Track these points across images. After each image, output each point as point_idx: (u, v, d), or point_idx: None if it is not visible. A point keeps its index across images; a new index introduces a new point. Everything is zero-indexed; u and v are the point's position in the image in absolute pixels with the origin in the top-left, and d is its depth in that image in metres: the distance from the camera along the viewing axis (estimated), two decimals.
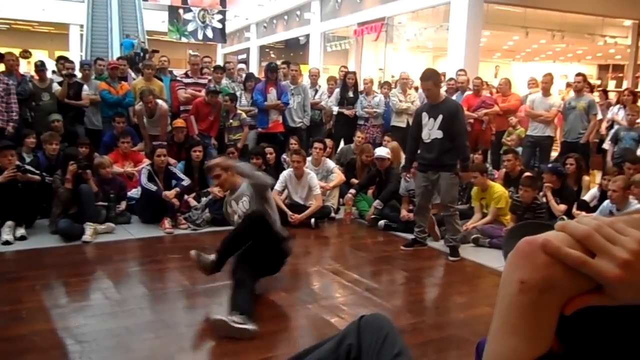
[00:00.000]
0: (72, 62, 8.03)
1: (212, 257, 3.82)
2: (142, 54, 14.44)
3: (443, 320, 3.77)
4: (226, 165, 4.26)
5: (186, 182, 5.98)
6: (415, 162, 5.30)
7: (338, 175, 6.76)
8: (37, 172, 5.48)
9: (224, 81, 8.22)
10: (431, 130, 4.98)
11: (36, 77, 7.36)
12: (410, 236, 5.59)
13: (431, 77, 4.99)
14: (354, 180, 6.85)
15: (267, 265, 3.94)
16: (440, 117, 4.92)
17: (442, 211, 5.27)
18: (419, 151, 5.23)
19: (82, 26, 22.55)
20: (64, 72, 7.59)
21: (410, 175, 5.42)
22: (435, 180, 5.06)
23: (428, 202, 5.32)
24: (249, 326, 3.22)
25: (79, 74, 7.81)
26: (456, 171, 5.09)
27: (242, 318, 3.24)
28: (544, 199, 5.80)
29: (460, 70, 8.92)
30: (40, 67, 7.34)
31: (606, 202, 5.22)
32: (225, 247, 3.79)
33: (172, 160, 6.43)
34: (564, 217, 5.60)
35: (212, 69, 8.37)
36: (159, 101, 7.26)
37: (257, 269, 3.81)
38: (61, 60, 8.06)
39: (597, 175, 7.70)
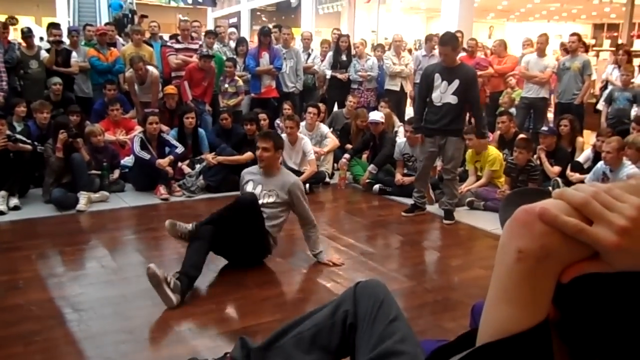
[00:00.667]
0: (59, 28, 7.87)
1: (189, 226, 3.62)
2: (130, 16, 14.25)
3: (438, 283, 3.81)
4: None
5: (179, 149, 5.95)
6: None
7: (332, 140, 6.75)
8: (29, 141, 5.43)
9: (215, 46, 8.11)
10: (444, 93, 4.87)
11: (24, 44, 7.23)
12: (405, 200, 5.61)
13: (450, 42, 4.83)
14: (348, 146, 6.83)
15: (238, 251, 3.78)
16: (457, 82, 4.81)
17: (443, 174, 5.22)
18: (425, 113, 5.11)
19: None
20: (50, 38, 7.46)
21: (421, 140, 5.22)
22: (443, 145, 5.01)
23: (430, 167, 5.31)
24: (173, 297, 3.16)
25: (67, 41, 7.67)
26: (463, 136, 5.05)
27: (175, 284, 3.19)
28: (538, 161, 5.81)
29: (457, 31, 8.80)
30: (27, 33, 7.20)
31: (600, 164, 5.23)
32: (208, 221, 3.65)
33: (164, 128, 6.38)
34: (558, 179, 5.62)
35: (204, 34, 8.25)
36: (150, 67, 7.17)
37: (223, 246, 3.67)
38: (51, 28, 7.90)
39: (592, 136, 7.70)
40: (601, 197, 0.55)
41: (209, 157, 6.02)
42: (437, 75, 4.91)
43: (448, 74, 4.86)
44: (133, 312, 3.18)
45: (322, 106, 7.51)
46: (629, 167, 4.96)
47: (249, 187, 3.98)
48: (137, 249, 4.38)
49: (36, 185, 5.62)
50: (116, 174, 5.97)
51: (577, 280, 0.56)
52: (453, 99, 4.84)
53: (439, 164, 5.48)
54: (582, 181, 5.26)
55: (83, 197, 5.20)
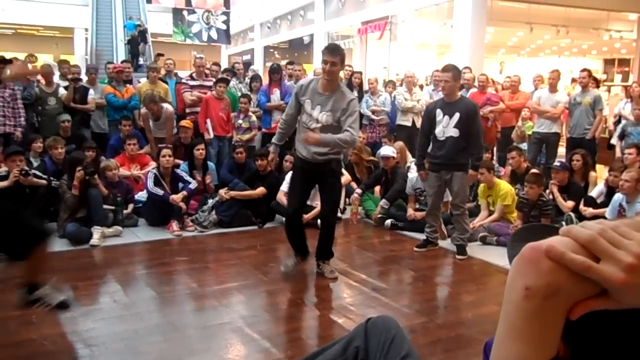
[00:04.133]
0: (77, 66, 8.07)
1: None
2: (144, 33, 15.17)
3: (451, 320, 3.76)
4: None
5: (193, 184, 6.00)
6: (425, 161, 5.26)
7: (345, 175, 6.77)
8: (44, 176, 5.51)
9: (232, 82, 8.25)
10: (446, 127, 4.91)
11: (42, 81, 7.40)
12: (417, 235, 5.58)
13: (452, 70, 4.95)
14: (353, 183, 6.90)
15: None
16: (457, 115, 4.86)
17: (452, 210, 5.24)
18: (430, 149, 5.16)
19: (87, 30, 22.62)
20: (69, 76, 7.63)
21: (424, 176, 5.32)
22: (449, 180, 5.03)
23: (440, 202, 5.30)
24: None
25: (84, 78, 7.84)
26: (467, 170, 5.07)
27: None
28: (551, 196, 5.78)
29: (465, 67, 8.89)
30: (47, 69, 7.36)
31: (617, 195, 5.20)
32: None
33: (178, 161, 6.45)
34: (572, 213, 5.58)
35: (222, 71, 8.40)
36: (165, 104, 7.28)
37: None
38: (63, 64, 8.09)
39: (604, 171, 7.66)
40: (608, 234, 0.55)
41: (222, 193, 6.05)
42: (438, 111, 4.98)
43: (449, 108, 4.93)
44: (145, 347, 3.16)
45: None
46: None
47: (307, 107, 4.19)
48: (149, 284, 4.38)
49: (51, 219, 5.66)
50: (130, 208, 6.02)
51: (585, 317, 0.56)
52: (455, 132, 4.88)
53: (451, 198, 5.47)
54: (596, 216, 5.21)
55: (97, 232, 5.23)
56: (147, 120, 7.21)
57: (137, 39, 15.88)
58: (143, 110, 7.26)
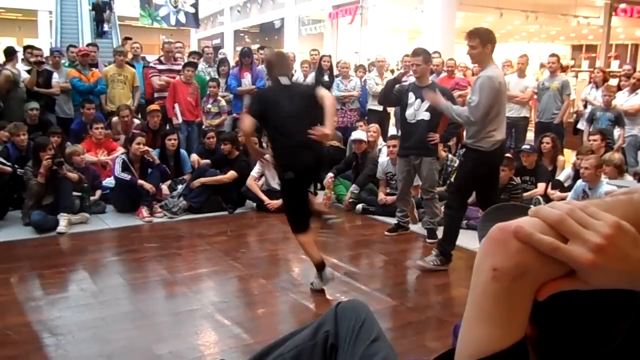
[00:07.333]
0: (40, 49, 7.83)
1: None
2: (109, 1, 15.19)
3: (421, 303, 3.80)
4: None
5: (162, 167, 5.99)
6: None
7: None
8: (9, 163, 5.36)
9: (201, 66, 8.13)
10: (417, 110, 4.91)
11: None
12: (388, 219, 5.61)
13: (422, 54, 4.91)
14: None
15: None
16: None
17: (422, 195, 5.27)
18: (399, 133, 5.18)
19: (51, 12, 22.03)
20: (32, 59, 7.41)
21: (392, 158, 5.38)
22: (418, 165, 5.05)
23: (410, 187, 5.32)
24: None
25: (47, 62, 7.63)
26: (437, 155, 5.10)
27: None
28: (519, 179, 5.86)
29: (435, 52, 8.91)
30: (10, 53, 7.17)
31: (579, 181, 5.29)
32: None
33: (148, 149, 6.35)
34: (539, 196, 5.66)
35: (188, 54, 8.25)
36: (135, 120, 7.26)
37: None
38: (29, 49, 7.87)
39: (572, 155, 7.79)
40: (576, 214, 0.54)
41: (196, 184, 5.96)
42: (410, 94, 4.97)
43: (421, 91, 4.89)
44: (113, 335, 3.12)
45: None
46: (605, 185, 5.02)
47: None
48: (118, 271, 4.31)
49: (15, 207, 5.54)
50: (97, 195, 5.91)
51: (553, 297, 0.56)
52: (426, 116, 4.88)
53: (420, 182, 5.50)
54: (562, 199, 5.31)
55: (63, 219, 5.12)
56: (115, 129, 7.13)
57: (102, 7, 16.20)
58: (115, 119, 7.13)
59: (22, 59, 8.04)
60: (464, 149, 4.74)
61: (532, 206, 0.62)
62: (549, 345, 0.63)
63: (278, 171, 3.94)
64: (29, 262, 4.43)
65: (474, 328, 0.58)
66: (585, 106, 7.82)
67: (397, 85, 5.09)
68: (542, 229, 0.54)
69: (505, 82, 4.44)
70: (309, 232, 3.88)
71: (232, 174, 6.03)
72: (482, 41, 4.11)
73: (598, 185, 5.04)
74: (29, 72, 7.23)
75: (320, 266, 3.79)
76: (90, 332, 3.14)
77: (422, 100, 4.86)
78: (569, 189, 5.62)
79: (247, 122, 3.76)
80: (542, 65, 10.20)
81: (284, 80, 3.83)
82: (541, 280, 0.55)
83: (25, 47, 8.05)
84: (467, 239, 5.04)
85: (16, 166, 5.45)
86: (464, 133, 4.75)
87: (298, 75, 8.48)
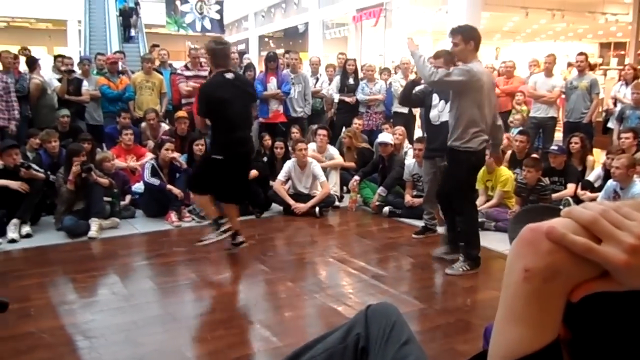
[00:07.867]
0: (70, 57, 8.01)
1: None
2: (135, 7, 16.72)
3: (450, 305, 3.77)
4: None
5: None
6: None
7: (337, 159, 6.83)
8: (41, 170, 5.48)
9: None
10: (442, 112, 4.84)
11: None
12: (415, 222, 5.58)
13: (443, 55, 4.63)
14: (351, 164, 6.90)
15: None
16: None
17: None
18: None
19: (80, 21, 22.45)
20: (62, 68, 7.58)
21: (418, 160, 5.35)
22: (444, 167, 5.00)
23: (436, 189, 5.28)
24: None
25: (77, 70, 7.79)
26: None
27: None
28: (548, 180, 5.78)
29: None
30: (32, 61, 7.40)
31: (610, 181, 5.19)
32: None
33: (175, 154, 6.42)
34: (569, 197, 5.58)
35: None
36: (162, 124, 7.42)
37: None
38: (59, 58, 8.05)
39: (602, 155, 7.65)
40: (610, 215, 0.54)
41: None
42: (434, 96, 4.91)
43: (445, 92, 4.81)
44: (144, 338, 3.16)
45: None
46: (639, 185, 4.92)
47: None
48: (148, 275, 4.37)
49: (48, 212, 5.66)
50: (127, 200, 6.00)
51: (586, 299, 0.56)
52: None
53: None
54: (593, 199, 5.22)
55: (95, 224, 5.21)
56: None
57: (129, 12, 16.87)
58: (144, 125, 7.29)
59: (53, 67, 8.23)
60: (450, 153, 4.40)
61: (562, 207, 0.62)
62: (583, 348, 0.63)
63: (211, 149, 4.70)
64: (61, 266, 4.52)
65: (506, 330, 0.58)
66: (615, 104, 7.68)
67: (417, 87, 5.03)
68: (574, 230, 0.54)
69: (490, 80, 4.29)
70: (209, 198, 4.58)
71: (254, 172, 6.03)
72: (464, 38, 4.06)
73: (630, 185, 4.95)
74: (59, 80, 7.39)
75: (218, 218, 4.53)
76: (122, 335, 3.19)
77: (446, 102, 4.80)
78: (599, 189, 5.53)
79: (200, 121, 4.54)
80: (569, 64, 10.06)
81: (228, 76, 4.33)
82: (573, 282, 0.55)
83: (56, 56, 8.25)
84: (495, 241, 5.00)
85: (49, 172, 5.58)
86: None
87: (324, 79, 8.49)
